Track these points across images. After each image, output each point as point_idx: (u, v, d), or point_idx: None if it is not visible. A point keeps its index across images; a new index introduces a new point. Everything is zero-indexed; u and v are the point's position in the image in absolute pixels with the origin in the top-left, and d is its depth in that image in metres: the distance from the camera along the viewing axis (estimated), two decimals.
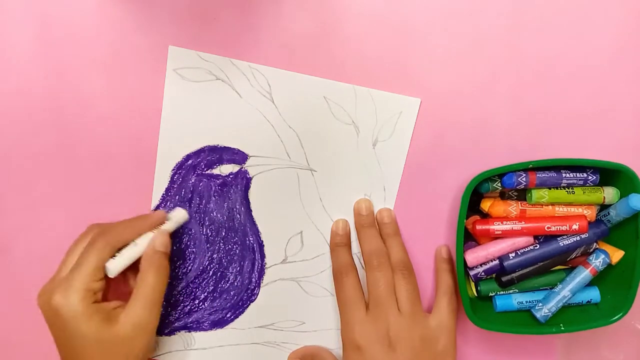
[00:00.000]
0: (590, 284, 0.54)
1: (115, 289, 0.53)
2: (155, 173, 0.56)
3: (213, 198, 0.56)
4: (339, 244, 0.56)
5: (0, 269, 0.58)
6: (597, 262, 0.52)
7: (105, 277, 0.50)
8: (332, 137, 0.56)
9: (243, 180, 0.56)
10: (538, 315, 0.53)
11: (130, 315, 0.49)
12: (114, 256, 0.50)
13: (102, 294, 0.50)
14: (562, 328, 0.53)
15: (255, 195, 0.57)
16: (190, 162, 0.56)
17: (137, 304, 0.50)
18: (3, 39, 0.54)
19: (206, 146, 0.56)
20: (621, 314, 0.52)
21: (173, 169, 0.56)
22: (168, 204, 0.56)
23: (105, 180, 0.56)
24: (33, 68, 0.54)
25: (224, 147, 0.56)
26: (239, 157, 0.56)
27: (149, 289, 0.50)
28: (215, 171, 0.56)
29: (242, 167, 0.56)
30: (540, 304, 0.54)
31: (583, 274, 0.53)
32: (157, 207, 0.56)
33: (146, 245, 0.52)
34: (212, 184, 0.56)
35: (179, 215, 0.55)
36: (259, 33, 0.54)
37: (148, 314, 0.50)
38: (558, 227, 0.52)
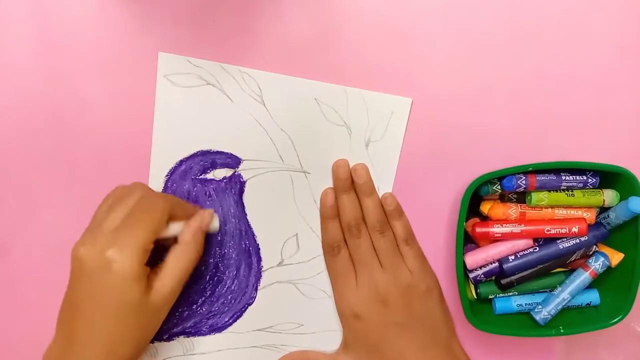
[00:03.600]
0: (589, 286, 0.54)
1: None
2: (149, 178, 0.55)
3: (208, 203, 0.56)
4: (329, 216, 0.56)
5: None
6: (596, 264, 0.52)
7: None
8: (325, 138, 0.55)
9: (237, 184, 0.56)
10: (537, 317, 0.53)
11: (164, 287, 0.48)
12: None
13: None
14: (562, 330, 0.53)
15: (249, 198, 0.56)
16: (183, 167, 0.55)
17: (170, 277, 0.48)
18: (3, 41, 0.53)
19: (199, 151, 0.55)
20: (620, 316, 0.52)
21: (167, 175, 0.56)
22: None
23: (103, 182, 0.55)
24: (32, 71, 0.54)
25: (217, 151, 0.55)
26: (232, 161, 0.55)
27: (185, 264, 0.49)
28: (209, 176, 0.56)
29: (235, 171, 0.56)
30: (539, 307, 0.53)
31: (582, 277, 0.52)
32: None
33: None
34: (206, 188, 0.56)
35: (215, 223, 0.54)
36: (256, 37, 0.53)
37: (177, 290, 0.49)
38: (558, 230, 0.51)
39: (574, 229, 0.51)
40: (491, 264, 0.53)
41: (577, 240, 0.52)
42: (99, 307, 0.46)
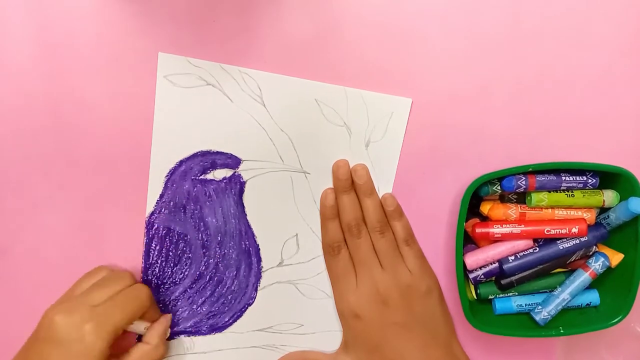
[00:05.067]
0: (590, 286, 0.54)
1: None
2: (149, 179, 0.55)
3: (208, 203, 0.56)
4: (329, 216, 0.56)
5: None
6: (596, 265, 0.52)
7: None
8: (325, 139, 0.55)
9: (237, 185, 0.56)
10: (537, 318, 0.53)
11: None
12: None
13: None
14: (562, 331, 0.53)
15: (249, 199, 0.56)
16: (183, 167, 0.55)
17: None
18: (3, 41, 0.53)
19: (199, 151, 0.55)
20: (620, 316, 0.52)
21: (167, 175, 0.55)
22: (163, 210, 0.56)
23: (103, 183, 0.56)
24: (31, 71, 0.54)
25: (217, 151, 0.55)
26: (232, 161, 0.55)
27: None
28: (209, 176, 0.56)
29: (235, 172, 0.55)
30: (539, 307, 0.53)
31: (582, 277, 0.52)
32: (153, 213, 0.56)
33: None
34: (206, 189, 0.56)
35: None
36: (256, 37, 0.53)
37: None
38: (558, 231, 0.51)
39: (574, 230, 0.51)
40: (491, 264, 0.53)
41: (577, 241, 0.52)
42: None
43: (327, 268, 0.57)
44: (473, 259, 0.53)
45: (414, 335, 0.53)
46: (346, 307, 0.55)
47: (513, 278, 0.53)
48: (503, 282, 0.54)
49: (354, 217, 0.54)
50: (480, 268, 0.54)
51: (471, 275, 0.54)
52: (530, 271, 0.53)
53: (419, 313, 0.54)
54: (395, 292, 0.54)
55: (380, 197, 0.56)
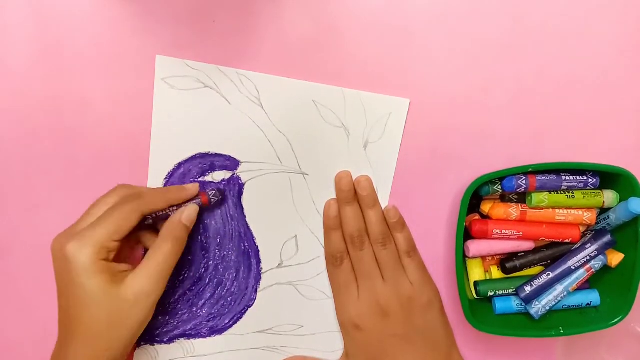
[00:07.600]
0: (590, 286, 0.54)
1: (126, 254, 0.53)
2: (148, 181, 0.55)
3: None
4: (332, 227, 0.56)
5: None
6: (594, 261, 0.52)
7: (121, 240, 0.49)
8: (323, 140, 0.55)
9: (236, 187, 0.56)
10: (532, 312, 0.53)
11: (136, 281, 0.48)
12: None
13: (115, 256, 0.49)
14: (562, 331, 0.53)
15: (248, 201, 0.56)
16: (182, 170, 0.55)
17: (144, 272, 0.49)
18: (2, 41, 0.53)
19: (197, 154, 0.55)
20: (621, 317, 0.52)
21: (166, 177, 0.55)
22: (162, 211, 0.56)
23: (103, 183, 0.55)
24: (31, 72, 0.54)
25: (215, 154, 0.55)
26: (230, 163, 0.55)
27: (160, 259, 0.49)
28: (208, 178, 0.55)
29: (234, 174, 0.55)
30: (535, 302, 0.53)
31: (579, 272, 0.53)
32: None
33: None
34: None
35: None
36: (254, 39, 0.53)
37: (154, 285, 0.49)
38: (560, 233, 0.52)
39: (568, 240, 0.52)
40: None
41: (587, 258, 0.52)
42: (68, 297, 0.48)
43: (329, 278, 0.57)
44: (476, 247, 0.53)
45: (415, 347, 0.54)
46: (347, 318, 0.55)
47: (517, 262, 0.54)
48: (507, 265, 0.54)
49: (357, 229, 0.54)
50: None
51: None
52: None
53: (420, 325, 0.54)
54: (396, 304, 0.54)
55: (383, 208, 0.56)
